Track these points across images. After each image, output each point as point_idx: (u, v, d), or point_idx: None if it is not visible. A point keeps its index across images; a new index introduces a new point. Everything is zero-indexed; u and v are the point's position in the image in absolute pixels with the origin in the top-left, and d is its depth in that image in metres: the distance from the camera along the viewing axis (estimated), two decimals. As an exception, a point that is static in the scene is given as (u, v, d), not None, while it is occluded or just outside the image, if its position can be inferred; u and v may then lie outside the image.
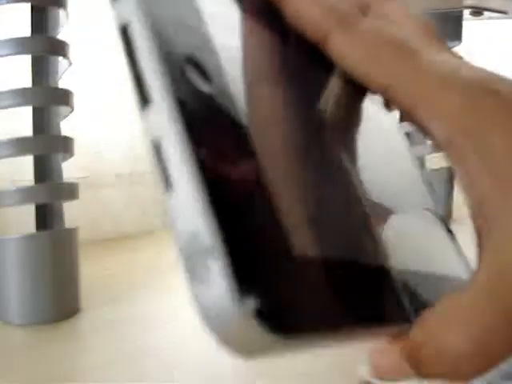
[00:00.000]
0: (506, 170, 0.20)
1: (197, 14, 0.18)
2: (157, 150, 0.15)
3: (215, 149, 0.16)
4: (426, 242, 0.25)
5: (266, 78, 0.21)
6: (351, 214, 0.21)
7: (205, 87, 0.17)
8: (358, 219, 0.21)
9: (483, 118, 0.20)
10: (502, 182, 0.20)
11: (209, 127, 0.16)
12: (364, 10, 0.24)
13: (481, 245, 0.20)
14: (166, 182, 0.15)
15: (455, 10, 1.38)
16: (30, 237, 0.81)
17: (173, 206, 0.15)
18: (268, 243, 0.16)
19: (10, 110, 0.81)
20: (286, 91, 0.22)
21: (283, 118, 0.21)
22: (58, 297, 0.81)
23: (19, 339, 0.76)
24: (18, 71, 0.92)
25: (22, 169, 0.95)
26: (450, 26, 1.37)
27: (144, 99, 0.15)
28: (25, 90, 0.82)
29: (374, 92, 0.22)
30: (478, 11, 1.38)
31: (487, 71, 0.22)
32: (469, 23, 1.40)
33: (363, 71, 0.22)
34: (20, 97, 0.81)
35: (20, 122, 0.95)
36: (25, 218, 0.89)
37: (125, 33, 0.16)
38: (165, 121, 0.15)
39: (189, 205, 0.15)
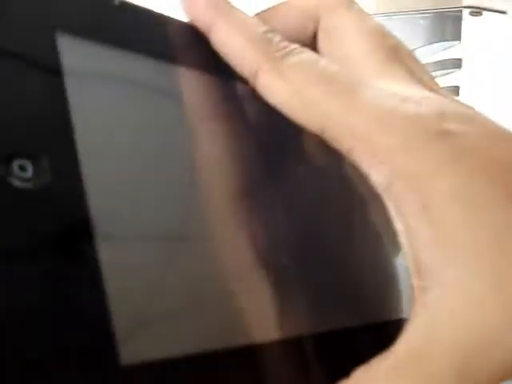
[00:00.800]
0: (447, 221, 0.18)
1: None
2: None
3: None
4: None
5: (206, 118, 0.20)
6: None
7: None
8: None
9: (425, 161, 0.18)
10: (443, 234, 0.18)
11: None
12: (309, 24, 0.22)
13: (412, 308, 0.18)
14: None
15: (454, 9, 1.38)
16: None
17: None
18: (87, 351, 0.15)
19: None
20: (229, 130, 0.21)
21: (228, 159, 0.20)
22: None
23: None
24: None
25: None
26: (449, 26, 1.38)
27: None
28: None
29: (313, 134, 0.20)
30: (477, 11, 1.38)
31: (450, 104, 0.19)
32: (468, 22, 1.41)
33: (293, 113, 0.20)
34: None
35: None
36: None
37: None
38: None
39: None
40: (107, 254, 0.16)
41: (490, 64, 1.35)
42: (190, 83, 0.21)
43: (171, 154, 0.20)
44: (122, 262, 0.17)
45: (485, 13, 1.37)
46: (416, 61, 0.22)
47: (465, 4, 1.36)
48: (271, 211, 0.21)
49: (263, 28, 0.21)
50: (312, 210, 0.23)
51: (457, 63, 1.44)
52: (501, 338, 0.17)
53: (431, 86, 0.21)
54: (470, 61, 1.40)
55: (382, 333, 0.18)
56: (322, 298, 0.22)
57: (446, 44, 1.56)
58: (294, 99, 0.20)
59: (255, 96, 0.20)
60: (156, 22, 0.21)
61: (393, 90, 0.19)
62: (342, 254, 0.23)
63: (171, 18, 0.21)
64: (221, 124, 0.21)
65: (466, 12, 1.39)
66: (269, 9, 0.23)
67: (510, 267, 0.17)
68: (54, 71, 0.17)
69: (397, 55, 0.21)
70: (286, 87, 0.20)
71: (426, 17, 1.59)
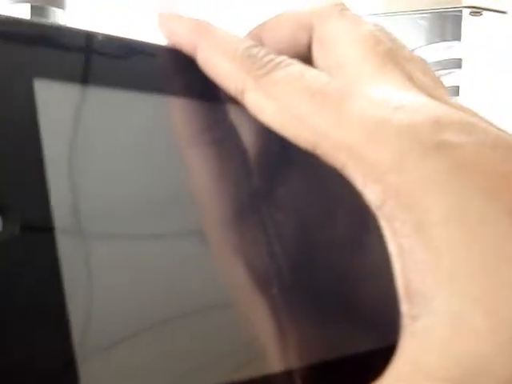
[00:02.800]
0: (441, 244, 0.16)
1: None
2: None
3: None
4: None
5: (195, 144, 0.20)
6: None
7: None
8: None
9: (419, 178, 0.16)
10: (436, 258, 0.16)
11: None
12: (303, 35, 0.21)
13: (401, 336, 0.17)
14: None
15: (454, 9, 1.38)
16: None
17: None
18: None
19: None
20: (220, 154, 0.20)
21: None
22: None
23: None
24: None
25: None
26: (449, 26, 1.37)
27: None
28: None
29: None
30: (477, 11, 1.38)
31: (448, 111, 0.17)
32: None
33: (283, 130, 0.18)
34: None
35: None
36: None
37: None
38: None
39: None
40: (72, 282, 0.16)
41: (489, 64, 1.35)
42: (178, 110, 0.20)
43: (158, 184, 0.19)
44: (90, 289, 0.16)
45: (485, 13, 1.37)
46: (416, 63, 0.20)
47: (465, 4, 1.36)
48: (266, 234, 0.21)
49: (246, 44, 0.20)
50: (309, 229, 0.23)
51: (457, 63, 1.44)
52: (491, 368, 0.15)
53: (433, 90, 0.19)
54: (470, 61, 1.40)
55: (374, 360, 0.18)
56: (320, 323, 0.21)
57: (446, 44, 1.55)
58: (281, 116, 0.18)
59: (247, 116, 0.20)
60: (142, 51, 0.20)
61: (387, 97, 0.18)
62: (340, 276, 0.22)
63: (157, 46, 0.21)
64: (211, 148, 0.21)
65: (465, 12, 1.39)
66: (263, 23, 0.22)
67: (505, 292, 0.15)
68: (29, 119, 0.16)
69: (392, 60, 0.19)
70: (272, 104, 0.18)
71: (426, 17, 1.59)
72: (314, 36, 0.21)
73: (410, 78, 0.19)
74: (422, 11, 1.49)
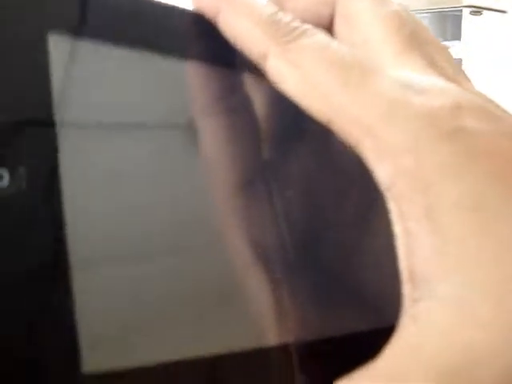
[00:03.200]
0: (451, 230, 0.16)
1: None
2: None
3: None
4: None
5: (211, 110, 0.20)
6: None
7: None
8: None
9: (434, 162, 0.16)
10: (444, 244, 0.16)
11: None
12: (325, 10, 0.21)
13: (400, 318, 0.17)
14: None
15: (454, 9, 1.38)
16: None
17: None
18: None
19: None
20: (232, 122, 0.20)
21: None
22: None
23: None
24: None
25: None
26: (449, 25, 1.37)
27: None
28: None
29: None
30: (477, 10, 1.38)
31: (468, 96, 0.18)
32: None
33: (302, 100, 0.18)
34: None
35: None
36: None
37: None
38: None
39: None
40: (79, 267, 0.16)
41: (490, 63, 1.35)
42: (195, 75, 0.20)
43: (162, 161, 0.19)
44: (94, 283, 0.16)
45: (485, 12, 1.37)
46: (439, 47, 0.21)
47: (465, 3, 1.36)
48: (272, 207, 0.21)
49: (272, 9, 0.20)
50: (316, 207, 0.23)
51: (457, 63, 1.43)
52: (494, 358, 0.15)
53: (452, 75, 0.19)
54: (470, 60, 1.40)
55: (372, 340, 0.18)
56: (319, 301, 0.21)
57: (446, 44, 1.55)
58: (302, 86, 0.18)
59: (264, 85, 0.20)
60: (160, 13, 0.20)
61: (408, 79, 0.18)
62: (342, 255, 0.22)
63: (177, 8, 0.21)
64: (225, 117, 0.21)
65: (465, 11, 1.39)
66: None
67: None
68: (42, 75, 0.16)
69: (415, 42, 0.19)
70: (294, 72, 0.18)
71: (426, 16, 1.59)
72: (337, 11, 0.21)
73: (432, 62, 0.19)
74: (421, 11, 1.49)
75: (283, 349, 0.19)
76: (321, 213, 0.22)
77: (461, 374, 0.15)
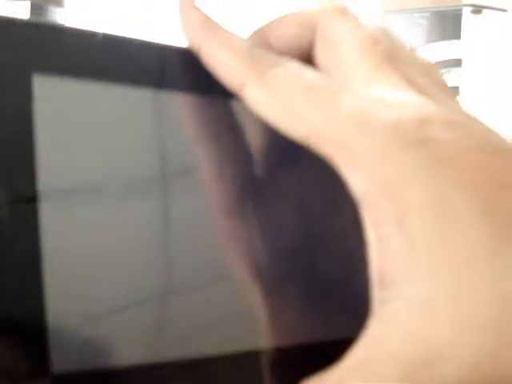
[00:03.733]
0: (419, 234, 0.17)
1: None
2: None
3: None
4: None
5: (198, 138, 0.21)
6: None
7: None
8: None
9: (401, 170, 0.17)
10: (412, 247, 0.17)
11: None
12: (306, 34, 0.22)
13: (368, 320, 0.18)
14: None
15: (454, 8, 1.38)
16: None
17: None
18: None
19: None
20: (220, 148, 0.21)
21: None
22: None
23: None
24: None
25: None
26: (449, 25, 1.37)
27: None
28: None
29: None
30: (477, 9, 1.38)
31: (439, 110, 0.18)
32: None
33: (278, 123, 0.20)
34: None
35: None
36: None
37: None
38: None
39: None
40: (51, 262, 0.16)
41: (490, 62, 1.35)
42: (182, 105, 0.21)
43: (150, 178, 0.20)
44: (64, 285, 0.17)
45: (485, 11, 1.37)
46: (415, 65, 0.21)
47: (465, 2, 1.36)
48: (261, 225, 0.21)
49: (250, 43, 0.21)
50: (301, 223, 0.23)
51: (456, 62, 1.44)
52: (454, 354, 0.16)
53: (428, 90, 0.20)
54: (470, 59, 1.40)
55: (343, 347, 0.18)
56: (309, 308, 0.22)
57: (446, 43, 1.55)
58: (278, 109, 0.20)
59: (246, 112, 0.21)
60: (142, 49, 0.21)
61: (377, 95, 0.19)
62: (321, 265, 0.23)
63: (161, 45, 0.21)
64: (212, 142, 0.22)
65: (466, 10, 1.39)
66: (269, 22, 0.23)
67: (471, 287, 0.16)
68: (25, 109, 0.17)
69: (389, 61, 0.20)
70: (269, 98, 0.20)
71: (426, 15, 1.59)
72: (317, 35, 0.22)
73: (408, 79, 0.20)
74: (421, 10, 1.49)
75: (254, 355, 0.20)
76: (305, 228, 0.23)
77: (428, 368, 0.16)
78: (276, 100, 0.20)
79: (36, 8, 0.85)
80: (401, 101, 0.19)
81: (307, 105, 0.19)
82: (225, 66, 0.21)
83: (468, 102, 1.36)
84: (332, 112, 0.19)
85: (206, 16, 0.22)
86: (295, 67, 0.20)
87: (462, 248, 0.17)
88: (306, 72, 0.20)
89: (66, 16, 0.85)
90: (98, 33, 0.19)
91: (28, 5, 0.85)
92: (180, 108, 0.21)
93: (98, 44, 0.19)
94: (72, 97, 0.18)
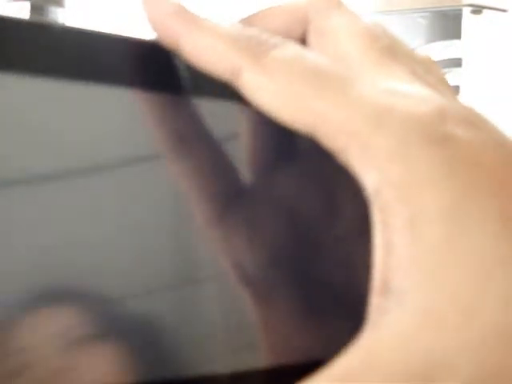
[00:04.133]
0: (430, 241, 0.15)
1: None
2: None
3: None
4: None
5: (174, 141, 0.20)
6: None
7: None
8: None
9: (419, 170, 0.16)
10: (422, 255, 0.15)
11: None
12: (297, 27, 0.20)
13: (362, 326, 0.16)
14: None
15: (454, 8, 1.38)
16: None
17: None
18: None
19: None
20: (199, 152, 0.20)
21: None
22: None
23: None
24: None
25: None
26: (449, 25, 1.37)
27: None
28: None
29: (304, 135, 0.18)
30: (477, 9, 1.38)
31: (455, 105, 0.17)
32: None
33: (280, 112, 0.17)
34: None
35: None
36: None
37: None
38: None
39: None
40: None
41: (490, 62, 1.35)
42: (153, 106, 0.19)
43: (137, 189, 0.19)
44: None
45: (485, 11, 1.37)
46: (418, 59, 0.20)
47: (465, 2, 1.35)
48: (248, 231, 0.21)
49: (238, 26, 0.19)
50: (296, 224, 0.23)
51: (457, 62, 1.43)
52: (456, 363, 0.15)
53: (434, 85, 0.19)
54: (470, 59, 1.40)
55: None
56: (304, 314, 0.21)
57: (446, 43, 1.55)
58: (280, 97, 0.17)
59: (232, 111, 0.19)
60: (102, 43, 0.19)
61: (391, 86, 0.17)
62: (315, 273, 0.22)
63: (122, 37, 0.19)
64: (191, 148, 0.20)
65: (466, 10, 1.39)
66: (255, 13, 0.21)
67: (486, 297, 0.15)
68: None
69: (392, 54, 0.19)
70: (271, 84, 0.17)
71: (426, 15, 1.59)
72: (310, 29, 0.20)
73: (414, 72, 0.19)
74: (421, 10, 1.49)
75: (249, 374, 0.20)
76: (296, 233, 0.22)
77: (424, 378, 0.15)
78: (279, 86, 0.17)
79: (36, 8, 0.84)
80: (415, 93, 0.17)
81: (315, 91, 0.17)
82: (212, 51, 0.18)
83: (468, 102, 1.35)
84: (344, 101, 0.17)
85: (179, 4, 0.19)
86: (297, 48, 0.18)
87: (475, 259, 0.16)
88: (310, 55, 0.18)
89: (66, 16, 0.85)
90: (53, 24, 0.18)
91: (28, 5, 0.85)
92: (153, 111, 0.19)
93: (49, 36, 0.18)
94: (21, 92, 0.17)
